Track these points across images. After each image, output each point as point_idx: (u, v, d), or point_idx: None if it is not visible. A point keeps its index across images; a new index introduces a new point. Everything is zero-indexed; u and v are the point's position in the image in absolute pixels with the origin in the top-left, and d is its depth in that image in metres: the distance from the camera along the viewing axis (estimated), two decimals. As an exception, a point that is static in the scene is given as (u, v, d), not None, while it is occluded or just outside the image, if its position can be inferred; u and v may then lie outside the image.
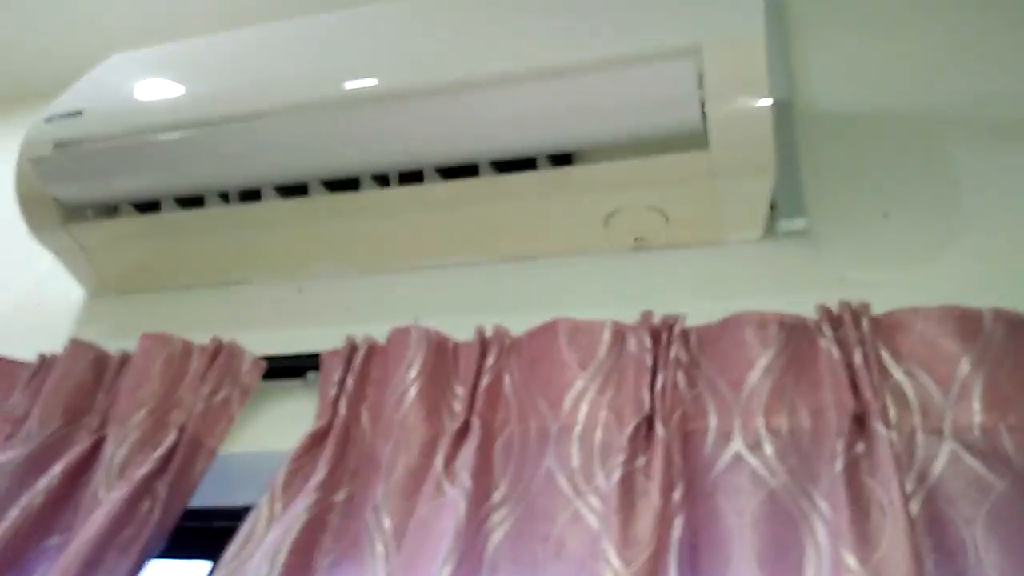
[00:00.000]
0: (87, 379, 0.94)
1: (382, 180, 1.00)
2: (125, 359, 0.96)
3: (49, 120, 1.11)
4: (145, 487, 0.80)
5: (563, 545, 0.68)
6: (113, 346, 0.99)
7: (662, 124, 0.86)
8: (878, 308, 0.71)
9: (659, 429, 0.69)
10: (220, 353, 0.92)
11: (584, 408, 0.75)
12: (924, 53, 1.02)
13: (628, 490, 0.66)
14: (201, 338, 0.95)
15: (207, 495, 0.89)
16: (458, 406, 0.81)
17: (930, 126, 0.95)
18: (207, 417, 0.88)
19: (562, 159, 0.94)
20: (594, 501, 0.70)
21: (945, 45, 1.03)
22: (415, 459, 0.78)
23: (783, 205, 0.91)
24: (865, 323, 0.70)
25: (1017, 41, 1.00)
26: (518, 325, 0.84)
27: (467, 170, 0.96)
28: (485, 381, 0.79)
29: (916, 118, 0.97)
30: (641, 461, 0.68)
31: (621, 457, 0.68)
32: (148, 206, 1.10)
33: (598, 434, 0.74)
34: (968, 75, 0.98)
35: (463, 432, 0.77)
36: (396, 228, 1.01)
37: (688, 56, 0.83)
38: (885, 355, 0.69)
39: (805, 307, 0.74)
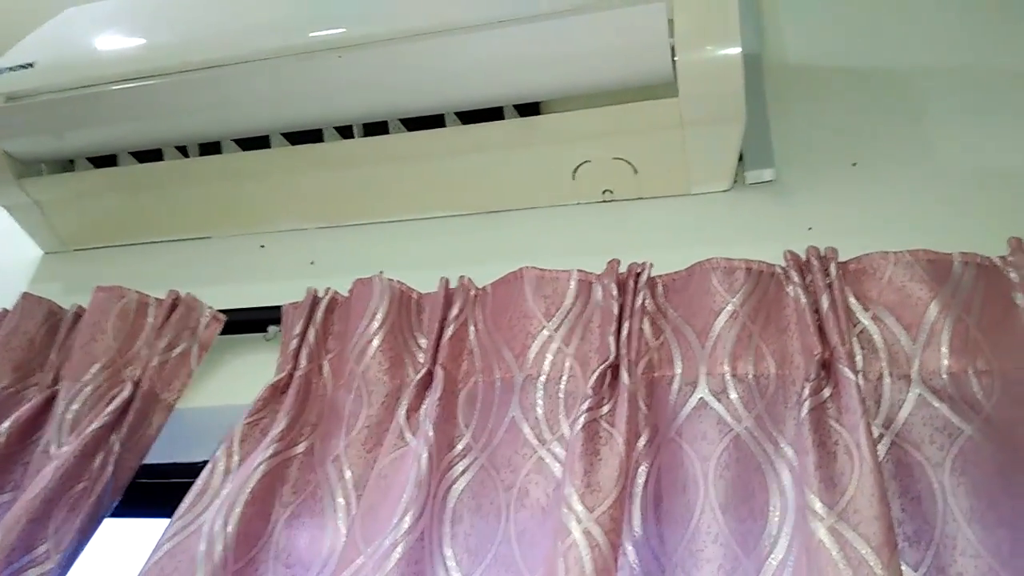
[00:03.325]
0: (39, 334, 0.91)
1: (346, 132, 0.97)
2: (79, 313, 0.93)
3: (-1, 73, 1.07)
4: (97, 442, 0.78)
5: (526, 493, 0.67)
6: (70, 303, 0.96)
7: (631, 71, 0.84)
8: (847, 255, 0.70)
9: (624, 377, 0.68)
10: (177, 307, 0.90)
11: (549, 357, 0.74)
12: (892, 4, 1.01)
13: (592, 437, 0.65)
14: (162, 295, 0.92)
15: (166, 451, 0.87)
16: (422, 357, 0.79)
17: (898, 76, 0.94)
18: (164, 371, 0.86)
19: (529, 109, 0.92)
20: (558, 449, 0.68)
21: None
22: (377, 410, 0.76)
23: (751, 156, 0.90)
24: (833, 269, 0.69)
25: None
26: (486, 278, 0.82)
27: (432, 121, 0.94)
28: (449, 331, 0.77)
29: (883, 68, 0.96)
30: (606, 409, 0.67)
31: (585, 405, 0.66)
32: (104, 160, 1.07)
33: (563, 383, 0.72)
34: (936, 25, 0.97)
35: (426, 382, 0.75)
36: (360, 181, 0.99)
37: (658, 0, 0.81)
38: (853, 300, 0.68)
39: (773, 257, 0.72)
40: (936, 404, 0.62)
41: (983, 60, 0.92)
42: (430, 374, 0.75)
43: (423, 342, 0.81)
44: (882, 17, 1.01)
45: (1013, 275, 0.66)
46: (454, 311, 0.79)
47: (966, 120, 0.87)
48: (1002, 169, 0.82)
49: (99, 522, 0.79)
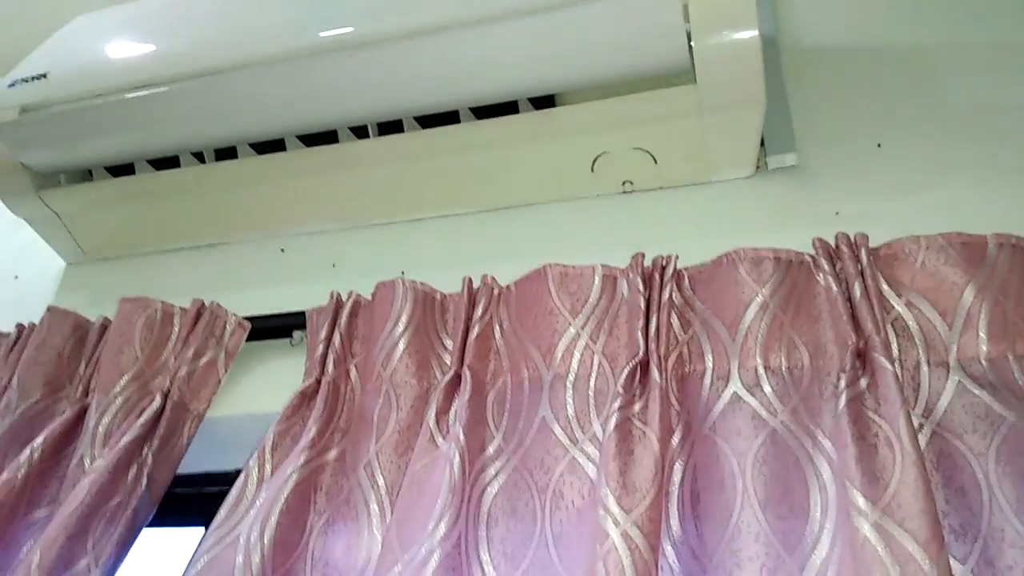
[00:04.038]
0: (67, 347, 0.92)
1: (360, 132, 0.97)
2: (105, 325, 0.93)
3: (12, 85, 1.06)
4: (130, 455, 0.78)
5: (561, 495, 0.67)
6: (95, 314, 0.96)
7: (647, 59, 0.83)
8: (875, 240, 0.69)
9: (654, 373, 0.67)
10: (202, 315, 0.90)
11: (577, 355, 0.73)
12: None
13: (625, 436, 0.64)
14: (184, 302, 0.93)
15: (198, 460, 0.88)
16: (448, 358, 0.79)
17: (919, 54, 0.92)
18: (192, 381, 0.86)
19: (545, 102, 0.91)
20: (591, 449, 0.68)
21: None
22: (406, 414, 0.76)
23: (773, 141, 0.88)
24: (864, 255, 0.67)
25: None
26: (507, 275, 0.81)
27: (447, 118, 0.93)
28: (475, 332, 0.77)
29: (904, 47, 0.93)
30: (637, 406, 0.66)
31: (617, 403, 0.66)
32: (122, 169, 1.07)
33: (592, 381, 0.72)
34: (957, 2, 0.95)
35: (454, 384, 0.75)
36: (377, 181, 0.98)
37: (673, -14, 0.80)
38: (885, 287, 0.67)
39: (800, 243, 0.71)
40: (976, 391, 0.61)
41: (1006, 33, 0.90)
42: (458, 376, 0.75)
43: (449, 343, 0.80)
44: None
45: (1050, 255, 0.64)
46: (479, 311, 0.79)
47: (991, 96, 0.85)
48: (1031, 145, 0.80)
49: (137, 534, 0.79)
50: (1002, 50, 0.89)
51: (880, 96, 0.90)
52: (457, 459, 0.67)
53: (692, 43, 0.79)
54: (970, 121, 0.84)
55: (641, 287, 0.72)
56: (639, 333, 0.70)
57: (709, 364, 0.69)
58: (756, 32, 0.78)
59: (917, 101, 0.88)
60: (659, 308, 0.71)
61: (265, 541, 0.67)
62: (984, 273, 0.64)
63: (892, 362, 0.61)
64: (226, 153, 1.02)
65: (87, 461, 0.81)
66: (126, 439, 0.78)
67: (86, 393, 0.88)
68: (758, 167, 0.88)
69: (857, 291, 0.66)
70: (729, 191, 0.88)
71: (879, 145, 0.86)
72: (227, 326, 0.90)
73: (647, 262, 0.75)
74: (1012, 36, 0.90)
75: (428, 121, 0.94)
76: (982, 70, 0.88)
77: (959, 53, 0.90)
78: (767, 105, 0.82)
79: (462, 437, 0.69)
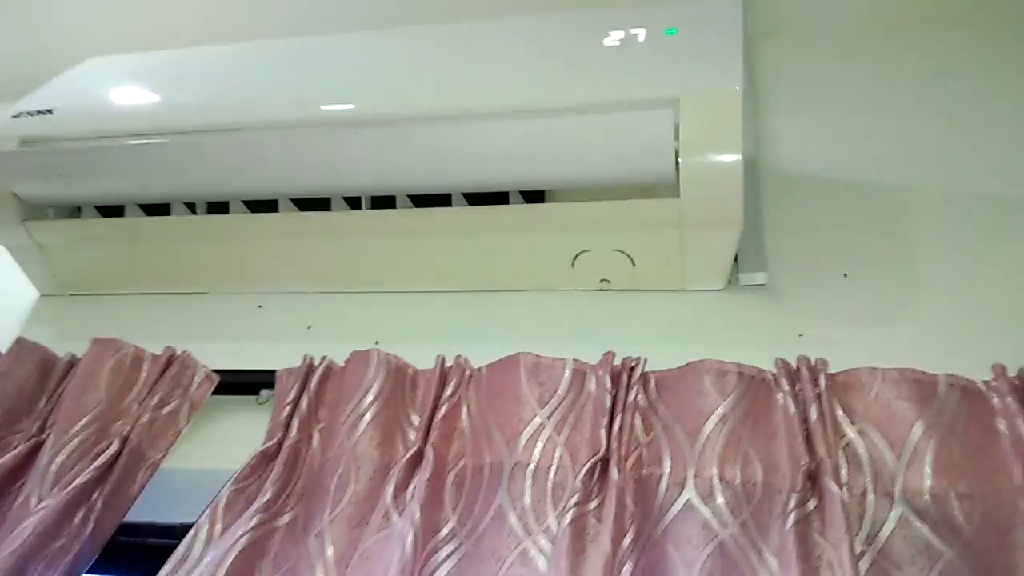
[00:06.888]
0: (30, 381, 0.91)
1: (354, 202, 1.00)
2: (72, 363, 0.93)
3: (17, 116, 1.08)
4: (80, 498, 0.77)
5: (509, 586, 0.67)
6: (63, 349, 0.96)
7: (636, 170, 0.87)
8: (834, 366, 0.72)
9: (614, 472, 0.69)
10: (172, 364, 0.90)
11: (540, 445, 0.74)
12: (886, 122, 1.06)
13: (580, 533, 0.65)
14: (155, 347, 0.93)
15: (146, 510, 0.86)
16: (413, 435, 0.80)
17: (889, 191, 0.98)
18: (152, 428, 0.85)
19: (535, 196, 0.95)
20: (544, 542, 0.69)
21: (906, 115, 1.07)
22: (364, 487, 0.76)
23: (745, 259, 0.92)
24: (822, 379, 0.70)
25: (973, 112, 1.04)
26: (480, 357, 0.83)
27: (439, 199, 0.96)
28: (442, 411, 0.78)
29: (876, 183, 1.00)
30: (594, 503, 0.68)
31: (574, 499, 0.67)
32: (111, 210, 1.08)
33: (552, 473, 0.73)
34: (927, 144, 1.02)
35: (415, 462, 0.75)
36: (364, 250, 1.01)
37: (666, 107, 0.84)
38: (840, 413, 0.70)
39: (763, 360, 0.74)
40: (918, 524, 0.64)
41: (971, 176, 0.97)
42: (420, 453, 0.76)
43: (415, 419, 0.81)
44: (874, 133, 1.05)
45: (996, 401, 0.67)
46: (448, 390, 0.80)
47: (954, 235, 0.91)
48: (987, 293, 0.85)
49: (74, 580, 0.78)
50: (969, 193, 0.95)
51: (850, 229, 0.95)
52: (410, 538, 0.67)
53: (679, 160, 0.83)
54: (932, 263, 0.89)
55: (609, 385, 0.74)
56: (603, 430, 0.72)
57: (667, 469, 0.71)
58: (740, 157, 0.82)
59: (884, 239, 0.93)
60: (624, 408, 0.73)
61: (207, 602, 0.67)
62: (933, 411, 0.67)
63: (841, 487, 0.63)
64: (218, 207, 1.04)
65: (33, 500, 0.79)
66: (79, 481, 0.77)
67: (42, 430, 0.87)
68: (730, 281, 0.92)
69: (813, 414, 0.68)
70: (700, 301, 0.92)
71: (845, 275, 0.90)
72: (195, 377, 0.90)
73: (617, 361, 0.77)
74: (977, 186, 0.96)
75: (421, 200, 0.97)
76: (948, 214, 0.94)
77: (927, 197, 0.96)
78: (743, 225, 0.86)
79: (417, 516, 0.69)
